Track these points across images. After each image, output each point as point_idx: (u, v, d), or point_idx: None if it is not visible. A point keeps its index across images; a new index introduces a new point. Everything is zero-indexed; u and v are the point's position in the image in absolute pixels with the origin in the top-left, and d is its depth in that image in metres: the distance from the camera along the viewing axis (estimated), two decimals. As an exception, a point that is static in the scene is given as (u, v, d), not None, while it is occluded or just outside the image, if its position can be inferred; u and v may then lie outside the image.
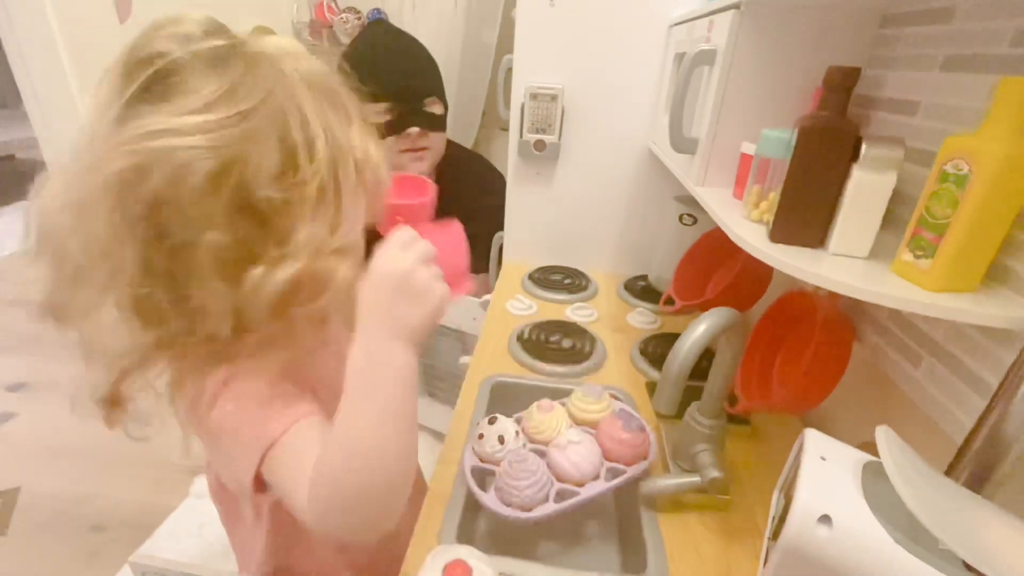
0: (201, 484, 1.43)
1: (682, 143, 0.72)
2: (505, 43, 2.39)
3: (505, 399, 0.82)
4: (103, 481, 1.45)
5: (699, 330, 0.51)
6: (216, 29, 0.41)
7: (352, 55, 1.14)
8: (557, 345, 0.91)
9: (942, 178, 0.39)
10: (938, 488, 0.34)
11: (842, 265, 0.46)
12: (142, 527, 1.33)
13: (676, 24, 0.94)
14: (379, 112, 1.11)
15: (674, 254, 1.02)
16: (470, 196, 1.15)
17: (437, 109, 1.17)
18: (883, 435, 0.33)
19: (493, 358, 0.89)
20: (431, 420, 1.55)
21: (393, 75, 1.10)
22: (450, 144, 1.30)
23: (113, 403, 0.44)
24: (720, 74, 0.64)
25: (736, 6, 0.61)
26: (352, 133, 0.44)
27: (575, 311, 1.03)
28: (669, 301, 0.92)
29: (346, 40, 1.85)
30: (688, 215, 1.01)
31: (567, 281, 1.15)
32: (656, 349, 0.91)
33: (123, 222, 0.38)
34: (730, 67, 0.64)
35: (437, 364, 1.45)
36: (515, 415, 0.68)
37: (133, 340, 0.42)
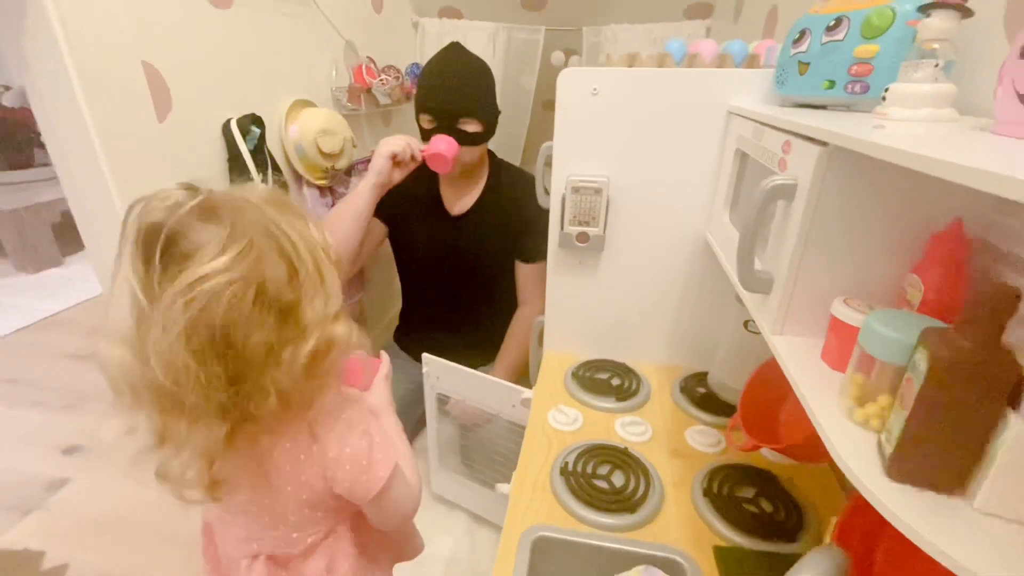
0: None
1: (753, 282, 0.62)
2: (543, 86, 2.34)
3: (548, 558, 0.72)
4: (151, 557, 1.43)
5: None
6: (191, 188, 0.50)
7: (422, 70, 1.34)
8: (606, 480, 0.81)
9: None
10: None
11: (993, 538, 0.35)
12: (188, 615, 1.31)
13: (737, 114, 0.83)
14: (425, 120, 1.29)
15: (737, 360, 0.90)
16: (516, 207, 1.36)
17: (471, 127, 1.27)
18: None
19: (534, 495, 0.80)
20: (467, 500, 1.48)
21: (436, 92, 1.27)
22: (498, 163, 1.46)
23: (212, 486, 0.54)
24: (804, 213, 0.53)
25: (822, 143, 0.50)
26: (310, 228, 0.55)
27: (625, 427, 0.92)
28: (736, 430, 0.80)
29: (386, 102, 1.84)
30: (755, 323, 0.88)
31: (615, 382, 1.04)
32: (722, 489, 0.79)
33: (199, 349, 0.47)
34: (816, 208, 0.53)
35: (474, 448, 1.38)
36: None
37: (212, 435, 0.51)
